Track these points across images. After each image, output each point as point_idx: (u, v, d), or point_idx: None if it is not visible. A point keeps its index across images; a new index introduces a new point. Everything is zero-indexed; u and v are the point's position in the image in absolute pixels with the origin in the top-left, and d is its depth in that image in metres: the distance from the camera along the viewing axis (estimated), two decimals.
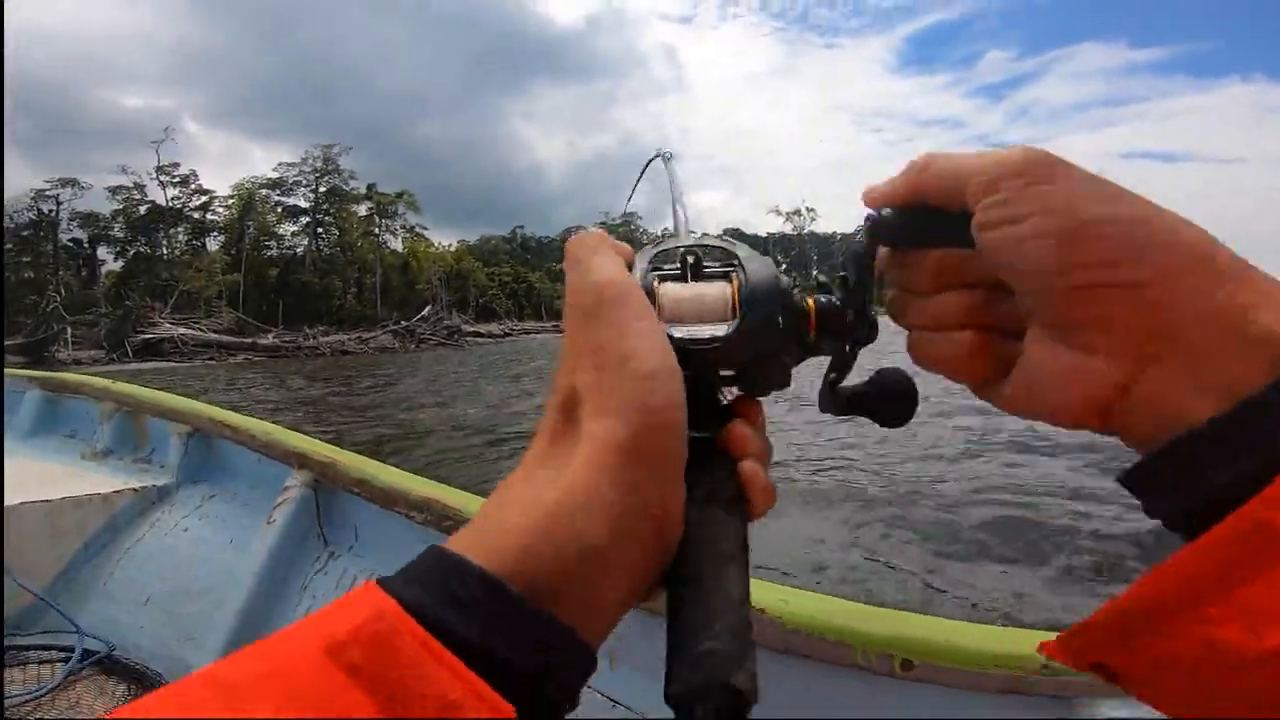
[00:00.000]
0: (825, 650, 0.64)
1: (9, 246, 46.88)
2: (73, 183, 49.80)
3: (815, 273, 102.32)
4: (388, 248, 58.44)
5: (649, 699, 0.79)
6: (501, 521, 0.24)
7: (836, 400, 0.34)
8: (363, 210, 58.42)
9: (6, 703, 1.33)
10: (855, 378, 0.35)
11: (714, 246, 0.33)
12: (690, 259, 0.32)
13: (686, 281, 0.32)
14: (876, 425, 0.35)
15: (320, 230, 56.13)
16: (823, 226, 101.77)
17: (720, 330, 0.30)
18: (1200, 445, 0.21)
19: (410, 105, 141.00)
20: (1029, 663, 0.60)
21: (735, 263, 0.32)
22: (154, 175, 52.34)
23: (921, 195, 0.29)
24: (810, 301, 0.32)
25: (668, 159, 0.55)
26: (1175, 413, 0.23)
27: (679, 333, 0.29)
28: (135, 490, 1.85)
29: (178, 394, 2.06)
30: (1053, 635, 0.26)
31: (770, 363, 0.31)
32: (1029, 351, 0.27)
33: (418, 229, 61.98)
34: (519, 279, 67.17)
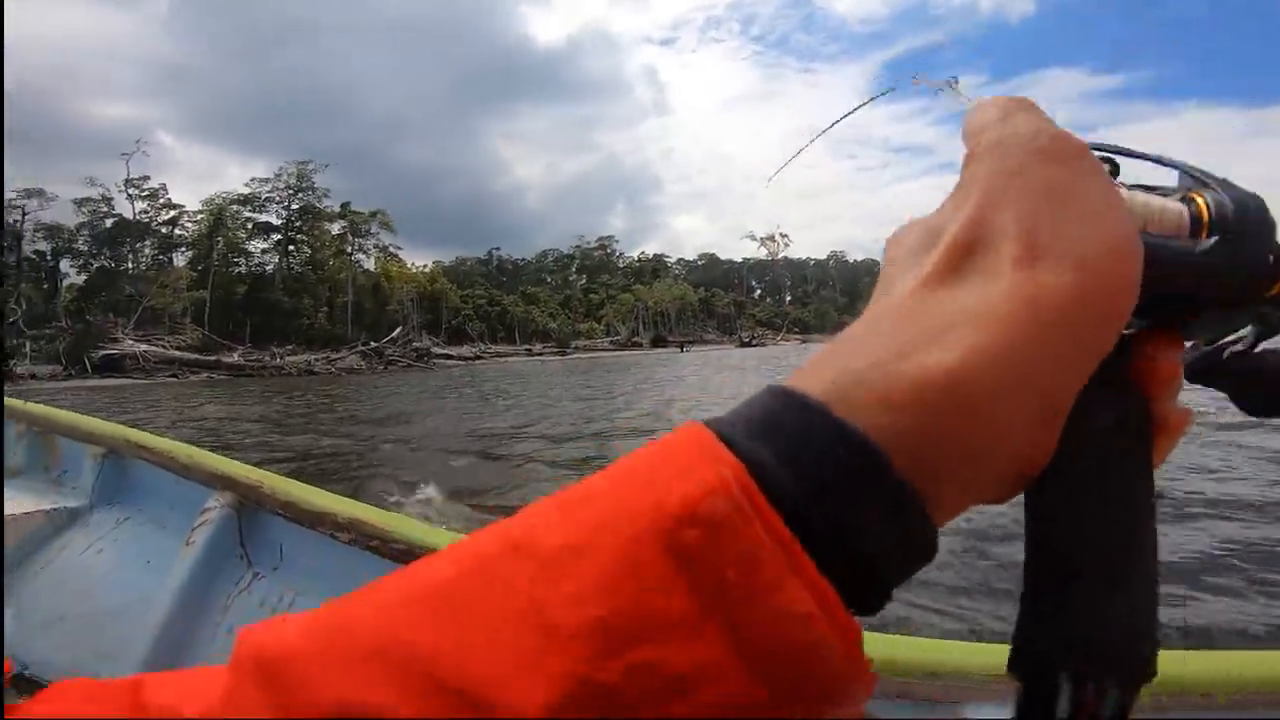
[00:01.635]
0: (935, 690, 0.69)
1: None
2: (39, 193, 49.07)
3: (788, 297, 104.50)
4: (360, 267, 58.25)
5: None
6: (881, 370, 0.18)
7: (1213, 366, 0.28)
8: (336, 229, 58.24)
9: None
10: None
11: (1153, 160, 0.28)
12: (1106, 166, 0.25)
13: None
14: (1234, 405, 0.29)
15: (291, 248, 55.74)
16: (796, 252, 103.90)
17: (1187, 245, 0.24)
18: None
19: (389, 126, 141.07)
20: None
21: (1196, 179, 0.26)
22: (122, 188, 51.79)
23: None
24: None
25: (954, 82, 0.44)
26: None
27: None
28: (46, 512, 1.82)
29: (99, 415, 2.07)
30: None
31: (1235, 300, 0.25)
32: None
33: (391, 249, 61.99)
34: (493, 302, 67.22)
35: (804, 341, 75.81)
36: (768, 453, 0.17)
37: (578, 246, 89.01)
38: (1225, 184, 0.25)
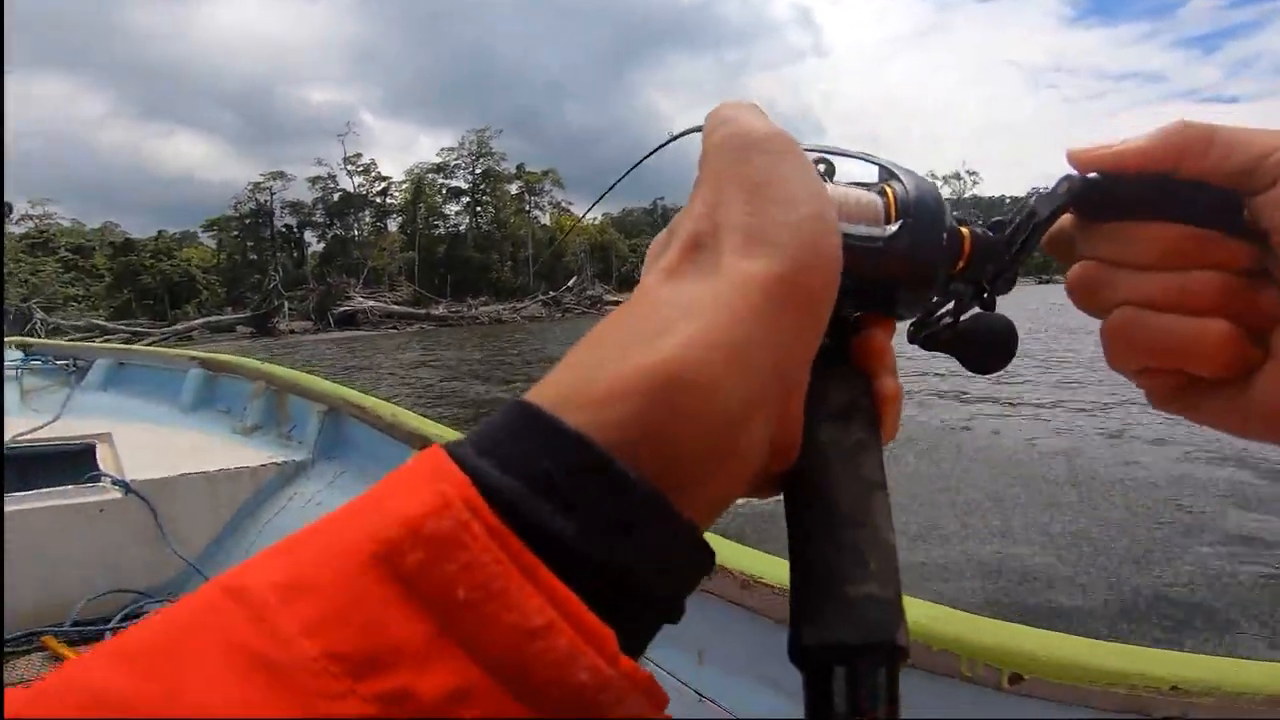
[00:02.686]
0: (931, 660, 0.62)
1: (234, 234, 56.05)
2: (280, 175, 58.23)
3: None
4: (538, 223, 62.12)
5: (739, 695, 0.78)
6: (602, 370, 0.18)
7: (932, 336, 0.31)
8: (514, 189, 62.41)
9: None
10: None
11: (857, 157, 0.30)
12: (822, 166, 0.28)
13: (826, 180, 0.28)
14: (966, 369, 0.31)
15: (478, 209, 60.78)
16: (987, 190, 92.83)
17: (874, 232, 0.26)
18: None
19: (553, 90, 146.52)
20: (1151, 681, 0.57)
21: (888, 173, 0.29)
22: (342, 166, 59.57)
23: (1174, 164, 0.26)
24: (965, 229, 0.29)
25: None
26: None
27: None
28: (279, 465, 1.97)
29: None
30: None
31: (922, 279, 0.27)
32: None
33: (564, 204, 65.18)
34: None
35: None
36: (494, 465, 0.16)
37: None
38: (911, 175, 0.28)
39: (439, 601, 0.14)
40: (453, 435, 1.64)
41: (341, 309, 41.73)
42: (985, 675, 0.59)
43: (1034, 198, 0.30)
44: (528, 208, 62.36)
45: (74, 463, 2.05)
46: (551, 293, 47.85)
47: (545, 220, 63.30)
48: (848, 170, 0.28)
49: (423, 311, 43.00)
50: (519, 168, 63.33)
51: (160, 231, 56.10)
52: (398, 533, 0.15)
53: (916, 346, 0.32)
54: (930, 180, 0.28)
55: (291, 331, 40.03)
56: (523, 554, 0.15)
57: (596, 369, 0.18)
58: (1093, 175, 0.28)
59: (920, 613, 0.62)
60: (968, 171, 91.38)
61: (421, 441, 1.55)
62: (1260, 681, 0.56)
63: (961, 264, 0.29)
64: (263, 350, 27.37)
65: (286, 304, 44.41)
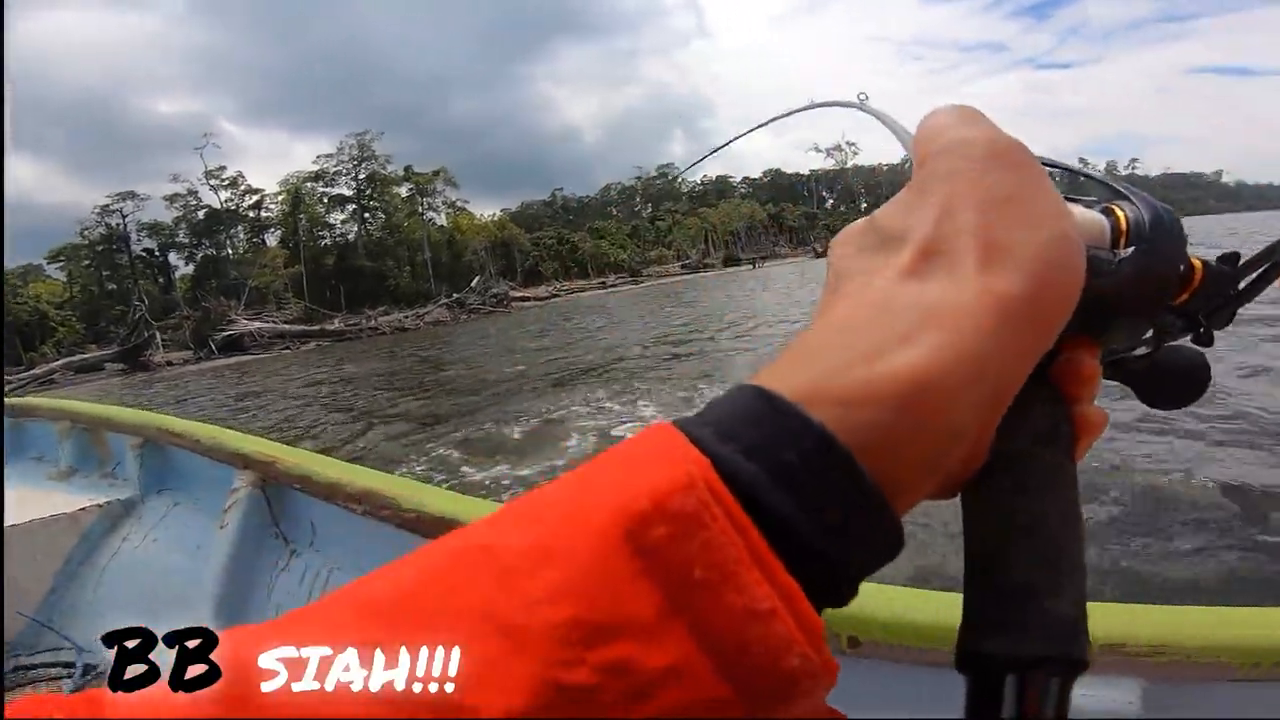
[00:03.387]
0: None
1: (85, 263, 50.51)
2: (131, 195, 52.98)
3: (863, 204, 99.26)
4: (433, 224, 59.81)
5: None
6: (850, 369, 0.19)
7: (1120, 364, 0.30)
8: (404, 191, 59.76)
9: None
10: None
11: (1090, 176, 0.30)
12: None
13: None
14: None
15: (366, 215, 57.85)
16: (866, 159, 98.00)
17: (1104, 254, 0.25)
18: None
19: (436, 85, 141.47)
20: None
21: (1118, 192, 0.28)
22: (204, 180, 54.91)
23: None
24: (1197, 262, 0.27)
25: (864, 100, 0.51)
26: None
27: None
28: (100, 506, 1.83)
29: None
30: None
31: (1146, 308, 0.27)
32: None
33: (459, 203, 63.08)
34: (562, 240, 67.58)
35: None
36: (737, 450, 0.17)
37: (638, 178, 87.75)
38: (1142, 197, 0.27)
39: (675, 577, 0.15)
40: (281, 451, 1.41)
41: (224, 334, 38.54)
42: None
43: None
44: (421, 209, 59.90)
45: None
46: (455, 295, 46.14)
47: (441, 220, 61.11)
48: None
49: (316, 328, 40.45)
50: (407, 169, 60.69)
51: None
52: (645, 506, 0.15)
53: None
54: (1167, 206, 0.27)
55: (169, 364, 36.59)
56: (757, 541, 0.16)
57: (844, 367, 0.18)
58: None
59: None
60: (847, 143, 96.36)
61: (246, 461, 1.44)
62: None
63: (1185, 295, 0.27)
64: (136, 388, 24.92)
65: (158, 334, 40.50)
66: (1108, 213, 0.27)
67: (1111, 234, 0.26)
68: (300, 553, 1.40)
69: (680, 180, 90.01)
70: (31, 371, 34.14)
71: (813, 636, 0.16)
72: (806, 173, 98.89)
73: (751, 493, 0.16)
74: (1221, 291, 0.28)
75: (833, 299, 0.22)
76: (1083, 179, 0.29)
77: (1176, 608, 0.62)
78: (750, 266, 61.12)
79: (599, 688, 0.14)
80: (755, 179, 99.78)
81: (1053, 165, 0.27)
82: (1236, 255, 0.28)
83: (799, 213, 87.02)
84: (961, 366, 0.19)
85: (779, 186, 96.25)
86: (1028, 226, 0.21)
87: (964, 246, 0.20)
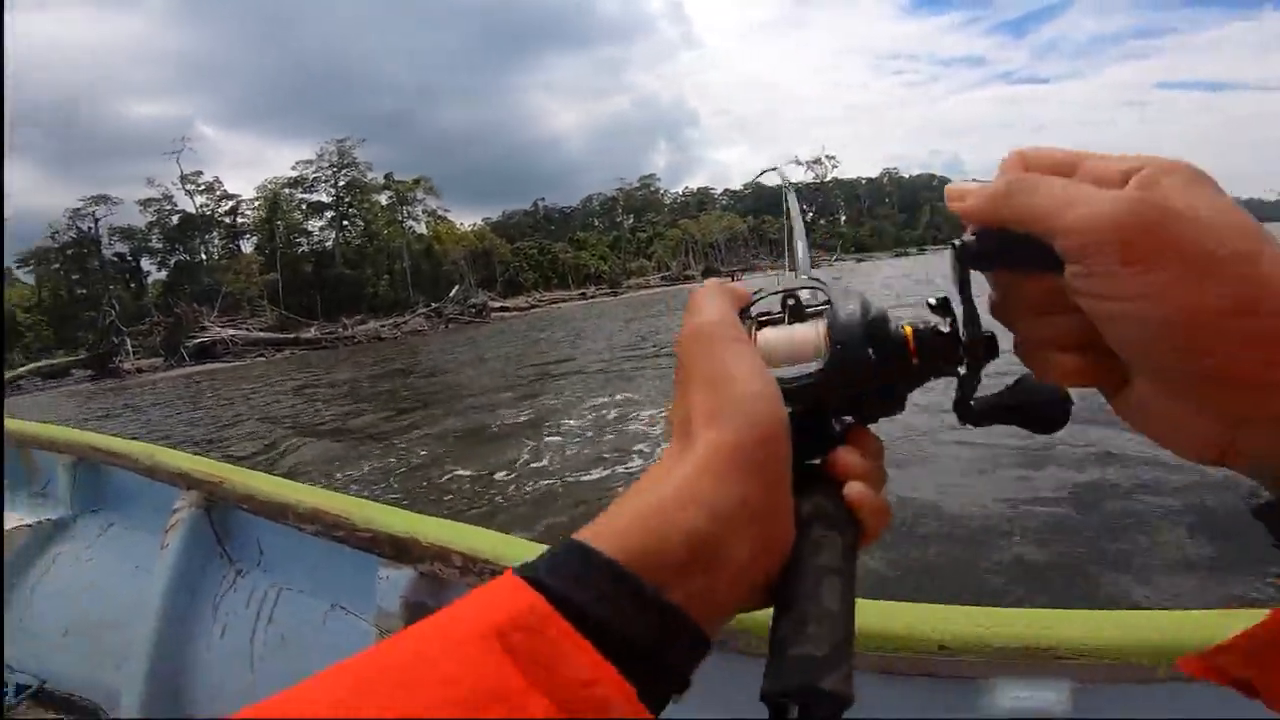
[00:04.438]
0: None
1: (55, 266, 49.56)
2: (104, 199, 52.12)
3: (842, 218, 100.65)
4: (413, 233, 59.59)
5: None
6: (621, 514, 0.28)
7: (972, 413, 0.34)
8: (384, 199, 59.50)
9: None
10: (997, 386, 0.35)
11: (811, 287, 0.36)
12: (791, 302, 0.35)
13: (789, 324, 0.35)
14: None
15: (345, 222, 57.46)
16: (847, 172, 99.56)
17: (810, 368, 0.32)
18: None
19: (421, 92, 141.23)
20: (925, 644, 0.64)
21: (828, 303, 0.34)
22: (179, 185, 54.26)
23: (1004, 224, 0.29)
24: (908, 329, 0.33)
25: (788, 190, 0.56)
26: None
27: (779, 373, 0.32)
28: (30, 526, 1.80)
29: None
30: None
31: (867, 393, 0.32)
32: (1137, 389, 0.29)
33: (439, 212, 62.90)
34: (543, 251, 67.64)
35: (859, 260, 72.66)
36: (556, 579, 0.25)
37: (620, 189, 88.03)
38: (845, 300, 0.33)
39: (531, 665, 0.23)
40: (227, 470, 1.40)
41: (196, 340, 37.99)
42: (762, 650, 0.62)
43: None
44: (401, 218, 59.65)
45: None
46: (433, 304, 45.97)
47: (421, 229, 60.85)
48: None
49: (291, 336, 40.02)
50: (387, 176, 60.47)
51: None
52: (508, 622, 0.23)
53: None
54: (860, 298, 0.33)
55: (139, 370, 35.97)
56: (578, 639, 0.24)
57: (618, 518, 0.28)
58: (969, 237, 0.31)
59: None
60: (827, 156, 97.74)
61: (189, 481, 1.43)
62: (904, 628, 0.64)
63: (915, 360, 0.33)
64: (104, 396, 24.42)
65: (129, 340, 39.81)
66: (821, 319, 0.33)
67: (822, 343, 0.32)
68: (247, 572, 1.40)
69: (664, 192, 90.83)
70: None
71: (629, 699, 0.23)
72: (787, 185, 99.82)
73: (566, 602, 0.24)
74: (947, 341, 0.33)
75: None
76: (810, 296, 0.35)
77: (1102, 612, 0.66)
78: (730, 279, 61.47)
79: None
80: (736, 191, 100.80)
81: (783, 290, 0.35)
82: (945, 300, 0.34)
83: (779, 226, 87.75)
84: (686, 493, 0.28)
85: (760, 199, 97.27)
86: (729, 390, 0.30)
87: (695, 417, 0.30)
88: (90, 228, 50.88)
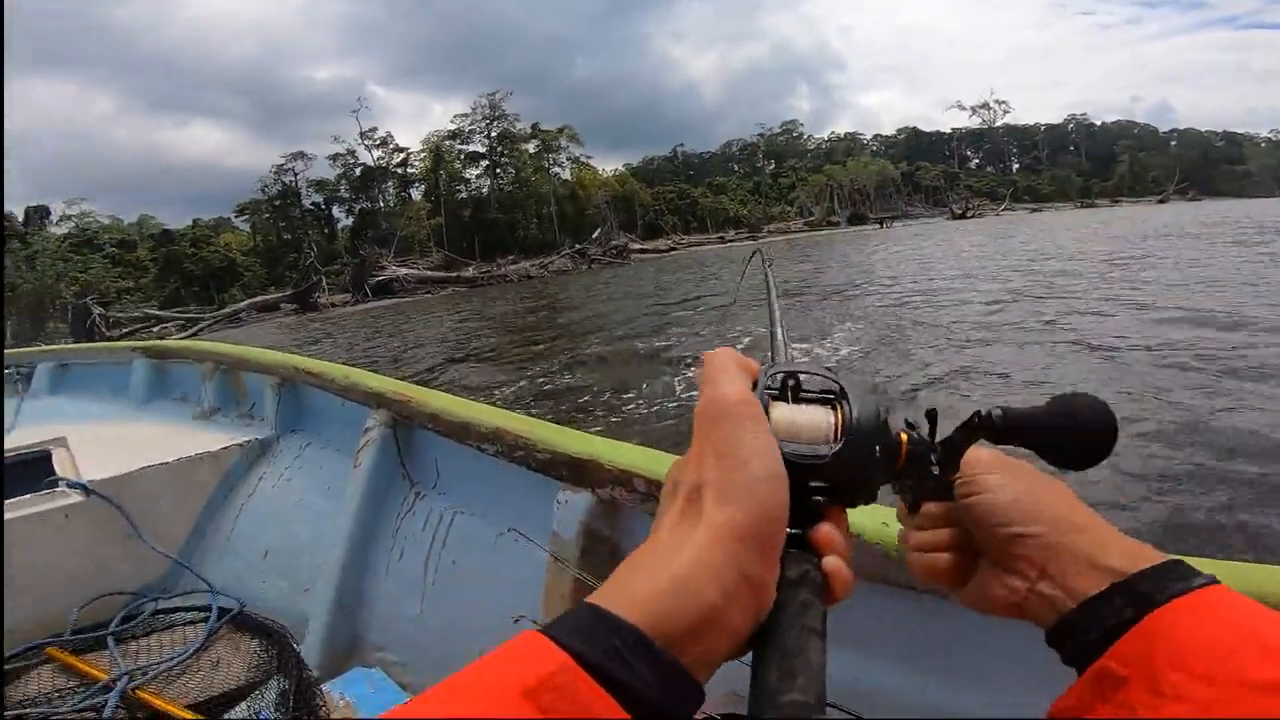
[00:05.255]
0: None
1: (266, 216, 57.40)
2: (301, 155, 59.12)
3: (1015, 166, 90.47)
4: (558, 179, 62.03)
5: None
6: (639, 584, 0.30)
7: (996, 427, 0.41)
8: (531, 148, 62.20)
9: (163, 665, 1.36)
10: (1032, 401, 0.41)
11: (821, 375, 0.39)
12: (791, 382, 0.38)
13: (787, 401, 0.38)
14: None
15: (498, 170, 60.91)
16: (1019, 118, 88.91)
17: (822, 450, 0.36)
18: (1074, 617, 0.38)
19: (561, 45, 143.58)
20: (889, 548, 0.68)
21: (840, 393, 0.38)
22: (359, 140, 60.11)
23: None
24: (904, 436, 0.39)
25: (769, 263, 0.59)
26: (1060, 603, 0.39)
27: (788, 448, 0.35)
28: (241, 445, 1.89)
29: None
30: None
31: (862, 482, 0.37)
32: (983, 573, 0.44)
33: (583, 158, 64.76)
34: (682, 195, 67.69)
35: (1034, 211, 65.05)
36: (582, 642, 0.27)
37: (760, 134, 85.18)
38: (860, 398, 0.38)
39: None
40: (414, 391, 1.42)
41: (377, 279, 42.58)
42: None
43: (954, 431, 0.41)
44: (547, 165, 62.21)
45: (30, 472, 1.86)
46: (577, 246, 48.05)
47: (566, 175, 63.15)
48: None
49: (454, 275, 43.65)
50: (534, 126, 63.00)
51: (195, 220, 57.82)
52: (537, 683, 0.26)
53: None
54: (872, 400, 0.38)
55: (332, 305, 40.91)
56: (603, 695, 0.26)
57: (636, 585, 0.30)
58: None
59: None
60: (996, 101, 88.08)
61: (380, 400, 1.47)
62: None
63: (900, 463, 0.39)
64: (306, 327, 27.95)
65: (324, 279, 45.51)
66: (836, 409, 0.37)
67: (834, 430, 0.37)
68: (424, 495, 1.42)
69: (806, 137, 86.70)
70: (223, 311, 39.39)
71: None
72: (949, 131, 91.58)
73: (593, 664, 0.27)
74: (924, 462, 0.40)
75: (653, 532, 0.34)
76: (806, 379, 0.39)
77: None
78: (879, 226, 58.27)
79: None
80: (888, 136, 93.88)
81: (792, 370, 0.39)
82: (933, 411, 0.41)
83: (936, 171, 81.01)
84: (701, 571, 0.30)
85: (915, 145, 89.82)
86: (740, 472, 0.33)
87: (705, 492, 0.33)
88: (291, 181, 58.11)
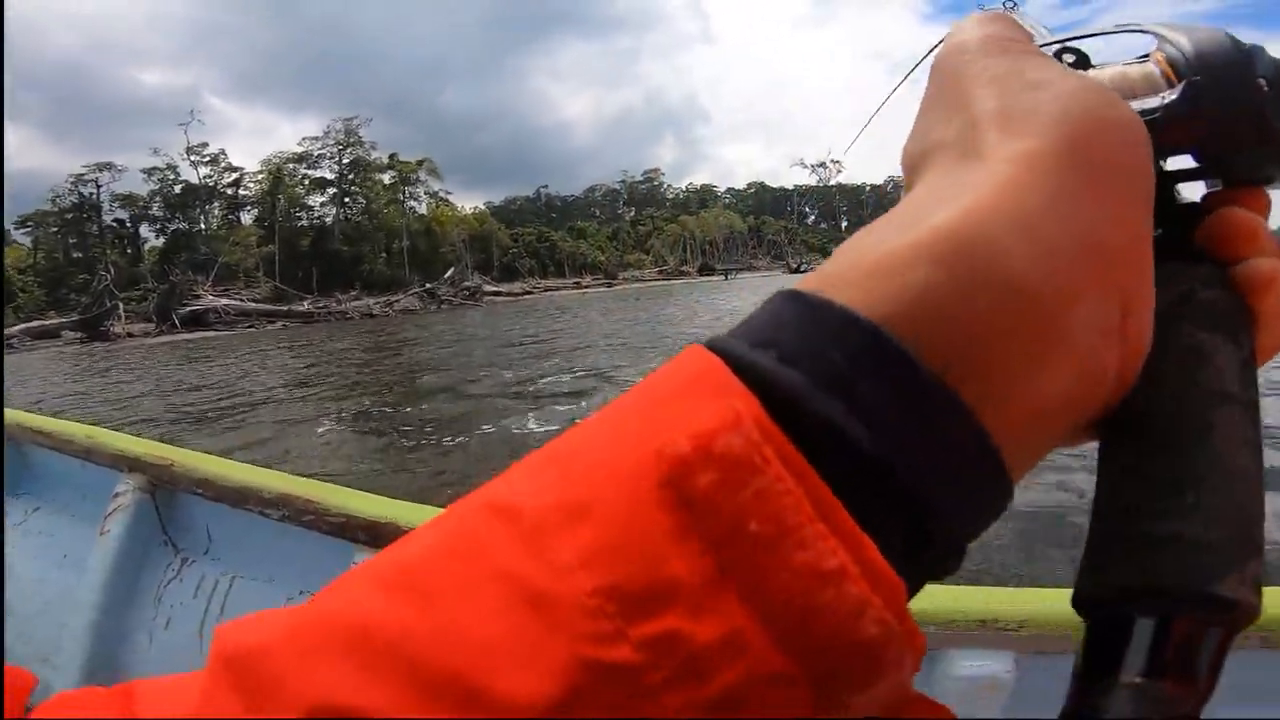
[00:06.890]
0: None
1: (54, 229, 49.74)
2: (109, 166, 52.50)
3: (844, 223, 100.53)
4: (413, 214, 59.79)
5: None
6: (871, 249, 0.16)
7: None
8: (387, 179, 59.72)
9: None
10: None
11: (1113, 32, 0.24)
12: (1070, 57, 0.24)
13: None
14: None
15: (346, 200, 57.65)
16: (850, 177, 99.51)
17: (1152, 103, 0.21)
18: None
19: (432, 72, 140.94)
20: None
21: (1159, 37, 0.22)
22: (184, 155, 54.42)
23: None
24: None
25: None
26: None
27: None
28: None
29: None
30: None
31: (1236, 132, 0.21)
32: None
33: (442, 194, 63.10)
34: (541, 238, 67.82)
35: None
36: (774, 358, 0.14)
37: (623, 181, 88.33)
38: (1182, 32, 0.23)
39: (725, 533, 0.13)
40: (176, 453, 1.32)
41: (189, 308, 38.21)
42: None
43: None
44: (402, 198, 59.85)
45: None
46: (427, 285, 46.23)
47: (422, 210, 61.06)
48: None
49: (284, 308, 40.27)
50: (392, 157, 60.65)
51: None
52: (685, 450, 0.13)
53: None
54: (1216, 30, 0.22)
55: (129, 335, 36.20)
56: (817, 486, 0.13)
57: (863, 249, 0.16)
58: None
59: None
60: (833, 160, 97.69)
61: (134, 464, 1.34)
62: None
63: None
64: (86, 357, 24.64)
65: (121, 305, 40.00)
66: (1152, 57, 0.23)
67: (1163, 80, 0.22)
68: (194, 560, 1.32)
69: (666, 186, 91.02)
70: None
71: (891, 600, 0.13)
72: (791, 187, 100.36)
73: (801, 410, 0.14)
74: None
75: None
76: (1112, 35, 0.25)
77: (1039, 590, 0.73)
78: (723, 278, 62.01)
79: (643, 667, 0.12)
80: (739, 190, 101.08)
81: (1077, 38, 0.24)
82: None
83: (778, 227, 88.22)
84: (998, 216, 0.16)
85: (762, 199, 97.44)
86: (1037, 89, 0.19)
87: (981, 127, 0.18)
88: (93, 193, 51.16)
